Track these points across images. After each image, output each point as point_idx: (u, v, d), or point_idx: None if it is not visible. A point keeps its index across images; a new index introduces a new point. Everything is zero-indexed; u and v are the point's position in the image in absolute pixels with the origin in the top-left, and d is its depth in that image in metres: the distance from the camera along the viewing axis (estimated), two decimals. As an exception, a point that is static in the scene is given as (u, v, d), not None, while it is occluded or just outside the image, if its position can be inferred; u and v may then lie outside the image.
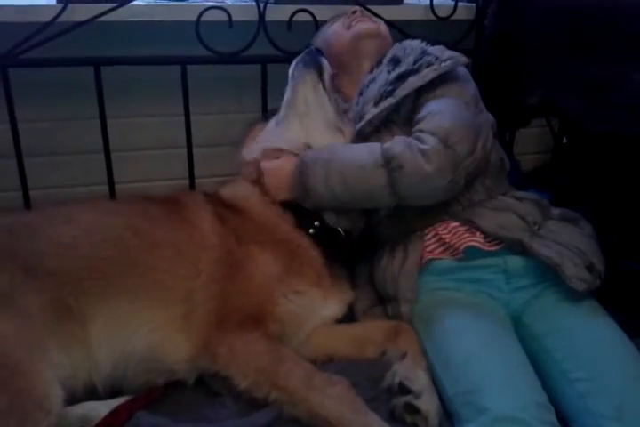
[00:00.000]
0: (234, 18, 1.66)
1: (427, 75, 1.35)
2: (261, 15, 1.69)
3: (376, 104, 1.39)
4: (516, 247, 1.31)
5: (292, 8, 1.72)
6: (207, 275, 1.25)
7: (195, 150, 1.83)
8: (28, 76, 1.63)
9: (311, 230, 1.38)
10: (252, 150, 1.50)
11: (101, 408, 1.14)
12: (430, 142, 1.25)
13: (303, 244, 1.36)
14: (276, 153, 1.43)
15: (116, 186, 1.80)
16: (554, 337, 1.24)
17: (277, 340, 1.22)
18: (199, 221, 1.34)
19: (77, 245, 1.23)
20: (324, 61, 1.48)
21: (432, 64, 1.37)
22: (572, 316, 1.26)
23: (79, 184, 1.88)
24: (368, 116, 1.40)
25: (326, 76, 1.47)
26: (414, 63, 1.39)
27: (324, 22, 1.72)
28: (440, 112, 1.31)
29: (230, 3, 1.76)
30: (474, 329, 1.22)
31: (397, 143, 1.29)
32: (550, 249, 1.28)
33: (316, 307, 1.32)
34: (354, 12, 1.61)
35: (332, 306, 1.36)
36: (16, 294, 1.14)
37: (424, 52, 1.41)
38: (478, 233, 1.34)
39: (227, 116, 1.85)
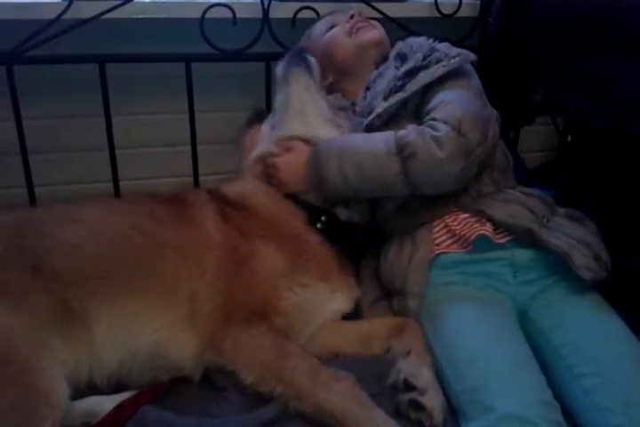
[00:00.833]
0: (238, 15, 1.67)
1: (436, 71, 1.37)
2: (265, 12, 1.70)
3: (385, 98, 1.41)
4: (525, 237, 1.31)
5: (296, 5, 1.73)
6: (212, 273, 1.26)
7: (199, 148, 1.83)
8: (33, 73, 1.64)
9: (319, 225, 1.39)
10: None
11: (107, 403, 1.14)
12: (443, 130, 1.26)
13: (312, 239, 1.37)
14: (289, 142, 1.44)
15: (121, 183, 1.81)
16: (559, 332, 1.23)
17: (284, 335, 1.22)
18: (203, 220, 1.34)
19: (84, 244, 1.23)
20: (312, 59, 1.49)
21: (441, 60, 1.38)
22: (578, 310, 1.26)
23: (84, 181, 1.88)
24: (378, 110, 1.40)
25: (315, 73, 1.48)
26: (423, 59, 1.40)
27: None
28: (451, 101, 1.33)
29: (235, 0, 1.77)
30: (479, 326, 1.22)
31: (410, 131, 1.30)
32: (559, 240, 1.28)
33: (322, 301, 1.33)
34: (352, 16, 1.59)
35: (340, 300, 1.37)
36: (24, 293, 1.14)
37: (432, 49, 1.42)
38: (488, 224, 1.34)
39: (231, 114, 1.85)
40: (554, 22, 1.55)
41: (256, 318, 1.21)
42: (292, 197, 1.41)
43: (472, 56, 1.42)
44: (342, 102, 1.55)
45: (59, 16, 1.56)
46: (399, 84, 1.40)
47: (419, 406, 1.11)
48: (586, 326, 1.22)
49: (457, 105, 1.32)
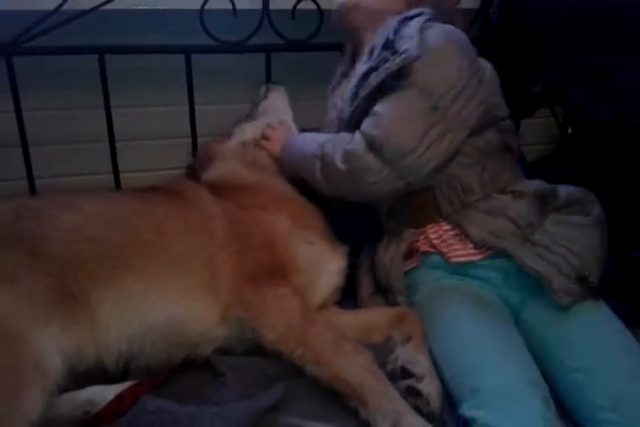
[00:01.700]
0: (238, 6, 1.66)
1: (379, 74, 1.27)
2: (265, 4, 1.69)
3: (352, 103, 1.36)
4: (504, 256, 1.29)
5: (297, -4, 1.72)
6: (223, 238, 1.30)
7: (199, 140, 1.83)
8: (33, 64, 1.64)
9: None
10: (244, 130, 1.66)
11: (107, 392, 1.14)
12: (357, 143, 1.26)
13: (303, 202, 1.46)
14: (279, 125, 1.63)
15: (121, 175, 1.81)
16: (551, 331, 1.23)
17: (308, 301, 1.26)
18: (197, 199, 1.40)
19: (81, 229, 1.25)
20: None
21: (387, 60, 1.27)
22: (570, 310, 1.23)
23: (84, 173, 1.89)
24: (347, 115, 1.39)
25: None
26: (377, 57, 1.31)
27: (329, 11, 1.72)
28: (378, 114, 1.26)
29: (234, -9, 1.76)
30: (472, 317, 1.22)
31: (335, 138, 1.33)
32: (540, 259, 1.24)
33: (328, 258, 1.39)
34: None
35: (339, 258, 1.42)
36: (20, 275, 1.15)
37: (386, 43, 1.30)
38: (468, 241, 1.33)
39: (231, 106, 1.85)
40: (554, 14, 1.55)
41: (278, 277, 1.25)
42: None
43: (414, 53, 1.24)
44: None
45: (58, 7, 1.56)
46: (354, 90, 1.36)
47: (416, 393, 1.12)
48: (576, 324, 1.21)
49: (382, 118, 1.25)
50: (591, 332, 1.20)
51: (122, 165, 1.81)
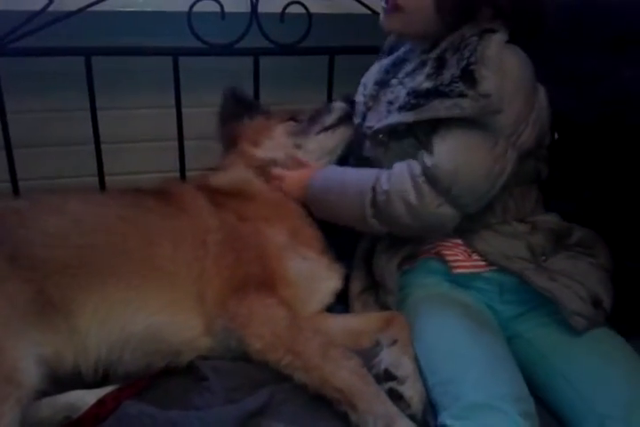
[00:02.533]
0: (226, 9, 1.66)
1: (450, 109, 1.19)
2: (254, 7, 1.69)
3: (400, 110, 1.29)
4: (515, 277, 1.28)
5: (286, 0, 1.71)
6: (216, 252, 1.28)
7: (186, 143, 1.82)
8: (18, 65, 1.62)
9: None
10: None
11: (88, 397, 1.13)
12: (425, 196, 1.21)
13: (307, 220, 1.43)
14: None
15: (107, 178, 1.79)
16: (550, 344, 1.22)
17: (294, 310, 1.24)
18: (194, 208, 1.37)
19: (66, 234, 1.23)
20: None
21: (464, 95, 1.18)
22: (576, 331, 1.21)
23: (69, 175, 1.87)
24: (386, 122, 1.31)
25: None
26: (450, 83, 1.20)
27: (318, 15, 1.72)
28: (445, 157, 1.20)
29: (223, -6, 1.75)
30: (461, 325, 1.21)
31: (386, 191, 1.25)
32: (553, 282, 1.23)
33: (322, 275, 1.37)
34: None
35: (335, 278, 1.40)
36: None
37: (467, 67, 1.20)
38: (474, 255, 1.32)
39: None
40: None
41: (265, 289, 1.24)
42: None
43: (496, 105, 1.17)
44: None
45: (44, 8, 1.55)
46: (414, 102, 1.25)
47: (397, 395, 1.11)
48: (582, 335, 1.19)
49: (454, 164, 1.20)
50: (598, 344, 1.19)
51: (107, 167, 1.79)
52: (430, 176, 1.20)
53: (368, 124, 1.43)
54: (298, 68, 1.82)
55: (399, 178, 1.24)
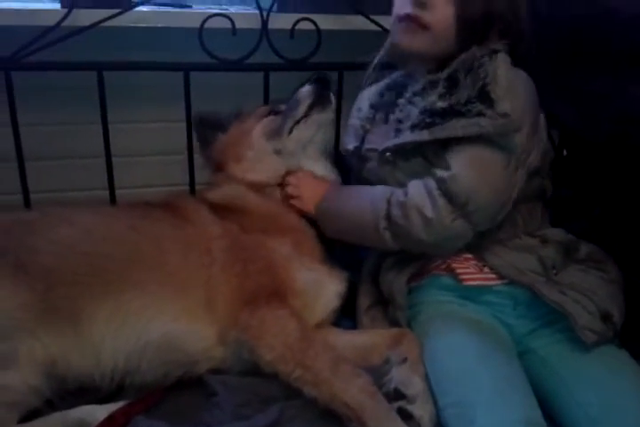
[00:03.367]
0: (237, 25, 1.67)
1: (469, 127, 1.20)
2: (264, 23, 1.71)
3: (413, 128, 1.30)
4: (526, 290, 1.28)
5: (295, 17, 1.73)
6: (223, 260, 1.30)
7: (196, 157, 1.82)
8: (31, 79, 1.64)
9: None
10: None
11: (99, 412, 1.13)
12: (440, 210, 1.21)
13: (307, 230, 1.43)
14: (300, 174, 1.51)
15: (117, 191, 1.80)
16: (563, 361, 1.22)
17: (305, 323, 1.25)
18: (198, 218, 1.39)
19: (76, 244, 1.25)
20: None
21: (482, 115, 1.20)
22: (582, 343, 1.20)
23: (80, 188, 1.89)
24: (399, 141, 1.32)
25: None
26: (466, 102, 1.22)
27: (327, 31, 1.74)
28: (462, 174, 1.21)
29: (234, 10, 1.78)
30: (473, 345, 1.21)
31: (401, 204, 1.26)
32: (564, 295, 1.23)
33: (326, 282, 1.37)
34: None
35: (337, 282, 1.40)
36: None
37: (483, 88, 1.22)
38: (486, 268, 1.32)
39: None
40: (550, 36, 1.56)
41: (276, 300, 1.25)
42: None
43: (517, 123, 1.21)
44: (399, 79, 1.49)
45: (59, 23, 1.56)
46: (429, 120, 1.26)
47: (407, 415, 1.11)
48: (590, 356, 1.19)
49: (470, 180, 1.21)
50: (609, 366, 1.18)
51: (118, 180, 1.80)
52: (446, 190, 1.21)
53: (368, 146, 1.45)
54: (307, 83, 1.83)
55: (416, 191, 1.25)
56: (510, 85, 1.23)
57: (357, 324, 1.42)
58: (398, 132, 1.37)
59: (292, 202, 1.46)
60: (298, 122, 1.52)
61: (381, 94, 1.51)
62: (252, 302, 1.24)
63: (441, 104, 1.26)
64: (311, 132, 1.52)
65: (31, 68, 1.61)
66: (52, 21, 1.56)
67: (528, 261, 1.30)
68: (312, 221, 1.44)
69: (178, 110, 1.76)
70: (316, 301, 1.34)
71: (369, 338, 1.34)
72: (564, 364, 1.21)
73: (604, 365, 1.18)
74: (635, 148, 1.36)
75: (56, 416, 1.13)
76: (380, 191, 1.32)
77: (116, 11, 1.60)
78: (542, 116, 1.38)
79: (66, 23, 1.57)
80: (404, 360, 1.21)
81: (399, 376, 1.18)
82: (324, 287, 1.36)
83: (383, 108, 1.48)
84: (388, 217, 1.27)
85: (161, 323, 1.21)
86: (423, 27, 1.28)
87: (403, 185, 1.30)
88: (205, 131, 1.64)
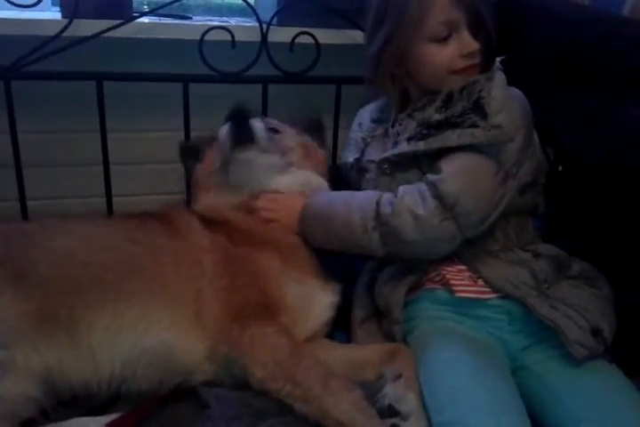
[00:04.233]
0: (237, 38, 1.68)
1: (462, 137, 1.25)
2: (264, 36, 1.72)
3: (409, 140, 1.34)
4: (518, 303, 1.29)
5: (295, 30, 1.75)
6: (212, 273, 1.30)
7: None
8: (30, 88, 1.65)
9: None
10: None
11: (92, 425, 1.13)
12: (430, 209, 1.23)
13: (295, 241, 1.42)
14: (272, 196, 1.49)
15: (114, 199, 1.81)
16: (557, 377, 1.22)
17: (295, 338, 1.25)
18: (189, 230, 1.39)
19: (73, 253, 1.26)
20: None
21: (476, 126, 1.24)
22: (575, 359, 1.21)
23: (77, 196, 1.90)
24: (396, 151, 1.36)
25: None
26: (460, 114, 1.27)
27: (326, 45, 1.76)
28: (461, 173, 1.26)
29: (234, 23, 1.79)
30: (467, 362, 1.20)
31: (392, 206, 1.27)
32: (555, 310, 1.24)
33: (318, 295, 1.37)
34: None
35: (330, 294, 1.39)
36: None
37: (477, 102, 1.26)
38: (480, 281, 1.32)
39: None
40: (547, 54, 1.57)
41: (265, 316, 1.24)
42: None
43: (510, 134, 1.25)
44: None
45: (59, 33, 1.57)
46: (425, 132, 1.31)
47: None
48: (584, 373, 1.20)
49: (464, 177, 1.25)
50: (603, 382, 1.19)
51: (115, 189, 1.81)
52: (436, 192, 1.24)
53: (368, 158, 1.48)
54: (305, 96, 1.85)
55: (407, 192, 1.28)
56: (505, 101, 1.28)
57: (352, 337, 1.42)
58: (396, 144, 1.40)
59: (273, 226, 1.45)
60: (229, 163, 1.50)
61: (382, 110, 1.54)
62: (241, 317, 1.23)
63: (437, 117, 1.31)
64: (247, 170, 1.50)
65: (31, 77, 1.62)
66: (52, 31, 1.57)
67: (521, 275, 1.31)
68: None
69: (176, 120, 1.77)
70: (306, 315, 1.33)
71: (363, 353, 1.33)
72: (559, 380, 1.22)
73: (599, 380, 1.19)
74: (629, 170, 1.36)
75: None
76: (369, 194, 1.36)
77: (118, 22, 1.62)
78: (535, 134, 1.41)
79: (66, 33, 1.58)
80: (399, 376, 1.21)
81: (393, 393, 1.18)
82: (315, 301, 1.36)
83: (384, 123, 1.51)
84: (378, 217, 1.28)
85: (155, 332, 1.22)
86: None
87: None
88: (187, 161, 1.67)
